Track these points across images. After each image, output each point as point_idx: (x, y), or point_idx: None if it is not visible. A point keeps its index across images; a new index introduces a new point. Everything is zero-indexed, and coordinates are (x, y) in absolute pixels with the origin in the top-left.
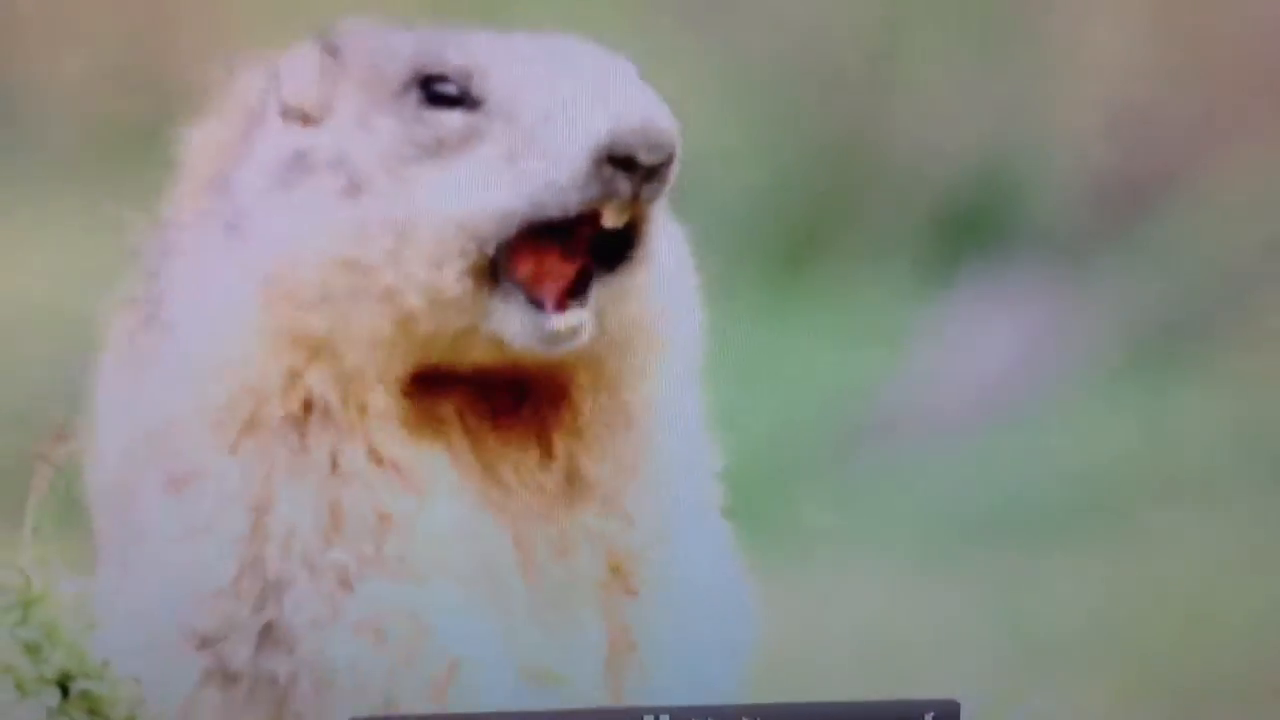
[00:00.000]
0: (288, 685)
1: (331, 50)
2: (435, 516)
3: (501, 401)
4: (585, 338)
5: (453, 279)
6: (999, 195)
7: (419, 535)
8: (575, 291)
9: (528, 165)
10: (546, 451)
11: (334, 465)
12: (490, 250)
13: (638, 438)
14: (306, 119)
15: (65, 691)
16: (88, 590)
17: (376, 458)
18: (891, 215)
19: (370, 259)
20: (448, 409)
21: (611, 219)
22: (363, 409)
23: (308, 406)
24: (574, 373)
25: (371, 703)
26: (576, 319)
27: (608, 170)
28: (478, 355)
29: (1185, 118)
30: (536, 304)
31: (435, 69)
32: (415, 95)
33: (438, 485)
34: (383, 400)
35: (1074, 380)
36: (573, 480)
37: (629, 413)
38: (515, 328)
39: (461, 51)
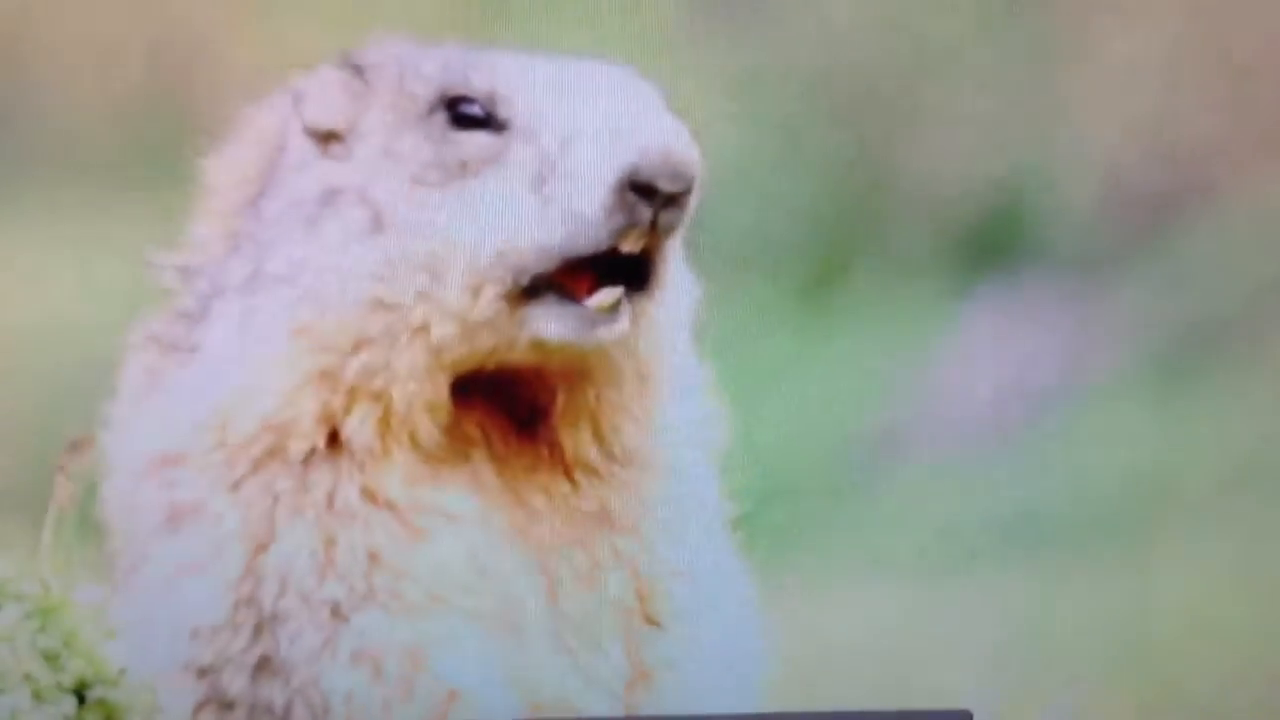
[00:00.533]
0: (284, 714)
1: (357, 70)
2: (443, 548)
3: (524, 426)
4: (624, 324)
5: (487, 305)
6: (1020, 211)
7: (422, 569)
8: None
9: (552, 191)
10: (573, 479)
11: (333, 504)
12: (526, 281)
13: (659, 469)
14: (331, 138)
15: (81, 699)
16: (106, 598)
17: (379, 496)
18: (911, 231)
19: (400, 297)
20: (474, 434)
21: (629, 245)
22: (403, 441)
23: (333, 443)
24: (597, 392)
25: None
26: (611, 296)
27: (630, 197)
28: (515, 358)
29: (1209, 135)
30: (572, 299)
31: (461, 90)
32: (442, 116)
33: (448, 517)
34: (424, 431)
35: (1092, 396)
36: (602, 506)
37: (650, 437)
38: (554, 325)
39: (486, 73)
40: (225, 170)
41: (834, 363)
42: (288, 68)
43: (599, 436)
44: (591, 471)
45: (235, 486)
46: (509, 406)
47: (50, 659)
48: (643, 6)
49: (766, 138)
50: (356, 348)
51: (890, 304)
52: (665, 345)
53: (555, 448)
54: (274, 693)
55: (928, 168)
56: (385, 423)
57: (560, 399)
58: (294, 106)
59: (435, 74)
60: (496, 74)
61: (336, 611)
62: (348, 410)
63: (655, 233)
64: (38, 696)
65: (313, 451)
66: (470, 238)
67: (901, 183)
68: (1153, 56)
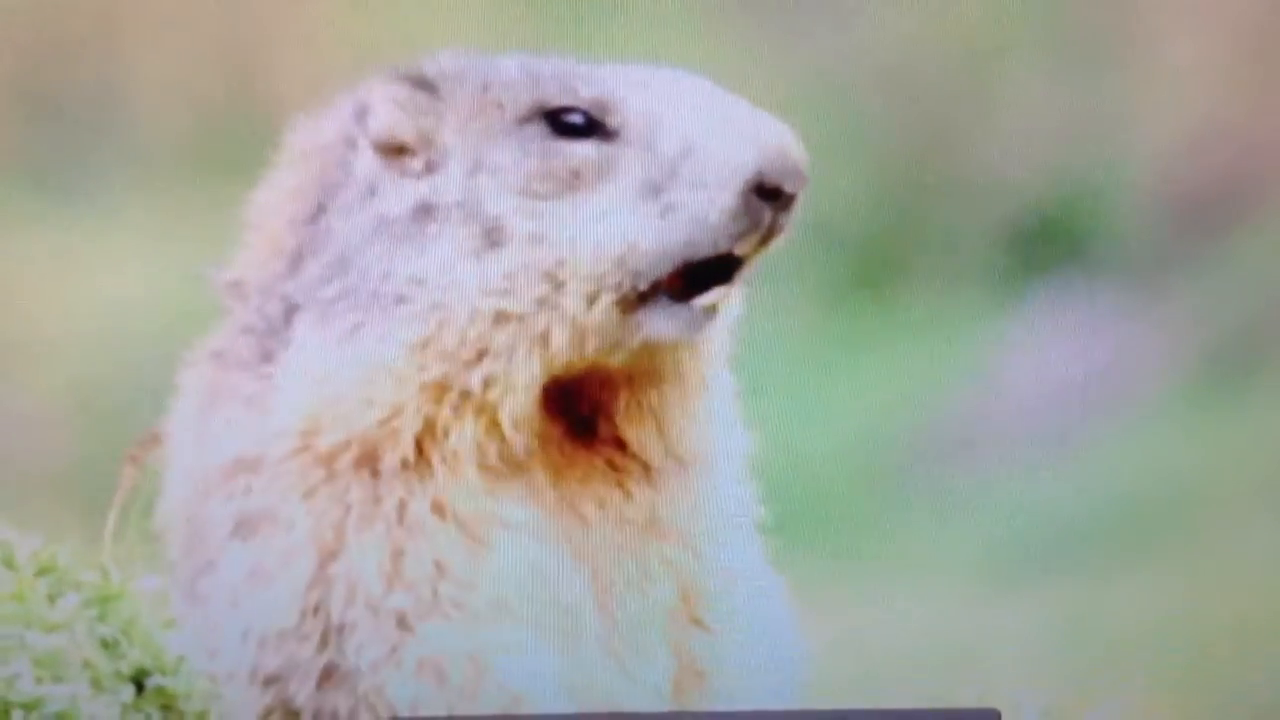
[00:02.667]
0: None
1: (424, 84)
2: (505, 559)
3: (580, 436)
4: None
5: (602, 311)
6: (1072, 217)
7: (485, 579)
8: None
9: (674, 198)
10: (625, 487)
11: (404, 515)
12: (643, 285)
13: (700, 463)
14: (403, 152)
15: (140, 687)
16: (166, 588)
17: (447, 508)
18: (966, 232)
19: (522, 308)
20: (532, 444)
21: (745, 248)
22: (496, 454)
23: (420, 454)
24: (660, 392)
25: None
26: (721, 295)
27: (755, 202)
28: (612, 361)
29: (1266, 139)
30: (683, 298)
31: (565, 101)
32: (539, 128)
33: (511, 529)
34: (522, 443)
35: (1142, 401)
36: (652, 513)
37: (707, 437)
38: (669, 326)
39: (592, 83)
40: (278, 187)
41: (883, 365)
42: (357, 74)
43: (662, 435)
44: (647, 474)
45: (309, 495)
46: (568, 411)
47: (109, 647)
48: (703, 8)
49: (820, 143)
50: (478, 359)
51: (942, 309)
52: (719, 348)
53: (612, 454)
54: (339, 701)
55: (981, 173)
56: (489, 434)
57: (623, 399)
58: (356, 121)
59: (526, 84)
60: (604, 84)
61: (402, 621)
62: (458, 420)
63: (770, 235)
64: (96, 685)
65: (420, 455)
66: (589, 246)
67: (955, 188)
68: (1209, 63)
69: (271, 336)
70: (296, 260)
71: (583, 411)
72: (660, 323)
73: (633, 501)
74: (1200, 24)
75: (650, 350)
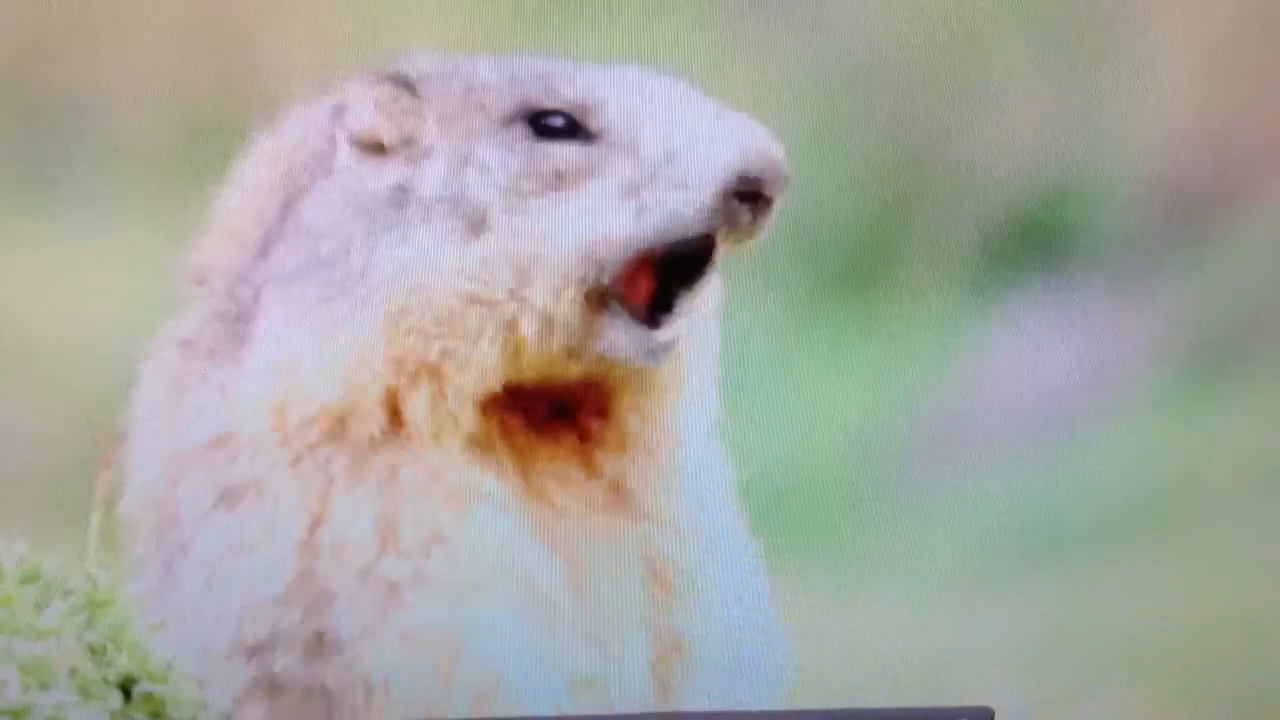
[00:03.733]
0: (335, 695)
1: (405, 83)
2: (486, 533)
3: (546, 422)
4: (676, 347)
5: (568, 305)
6: (1061, 212)
7: (469, 551)
8: (660, 305)
9: (653, 196)
10: (591, 468)
11: (391, 481)
12: (606, 278)
13: (671, 448)
14: (381, 149)
15: (128, 694)
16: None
17: (435, 476)
18: (950, 230)
19: (493, 294)
20: (497, 431)
21: (727, 247)
22: (447, 428)
23: (392, 424)
24: (619, 388)
25: (418, 713)
26: (674, 333)
27: (732, 202)
28: (570, 371)
29: (1253, 136)
30: (642, 322)
31: (547, 103)
32: (522, 129)
33: (491, 503)
34: (467, 420)
35: (1128, 400)
36: (618, 492)
37: (665, 426)
38: (623, 344)
39: (574, 86)
40: (245, 185)
41: (865, 365)
42: (336, 67)
43: (626, 430)
44: (622, 447)
45: (294, 463)
46: (531, 409)
47: (97, 654)
48: (682, 8)
49: (802, 141)
50: (442, 333)
51: (926, 308)
52: (696, 344)
53: (577, 443)
54: (325, 672)
55: (965, 172)
56: (436, 405)
57: (589, 398)
58: (334, 119)
59: (507, 86)
60: (586, 86)
61: (390, 589)
62: (413, 390)
63: (750, 233)
64: (84, 692)
65: (388, 428)
66: (562, 243)
67: (939, 186)
68: (1195, 60)
69: (242, 321)
70: (265, 250)
71: (547, 411)
72: (619, 339)
73: (603, 478)
74: (1186, 21)
75: (600, 363)
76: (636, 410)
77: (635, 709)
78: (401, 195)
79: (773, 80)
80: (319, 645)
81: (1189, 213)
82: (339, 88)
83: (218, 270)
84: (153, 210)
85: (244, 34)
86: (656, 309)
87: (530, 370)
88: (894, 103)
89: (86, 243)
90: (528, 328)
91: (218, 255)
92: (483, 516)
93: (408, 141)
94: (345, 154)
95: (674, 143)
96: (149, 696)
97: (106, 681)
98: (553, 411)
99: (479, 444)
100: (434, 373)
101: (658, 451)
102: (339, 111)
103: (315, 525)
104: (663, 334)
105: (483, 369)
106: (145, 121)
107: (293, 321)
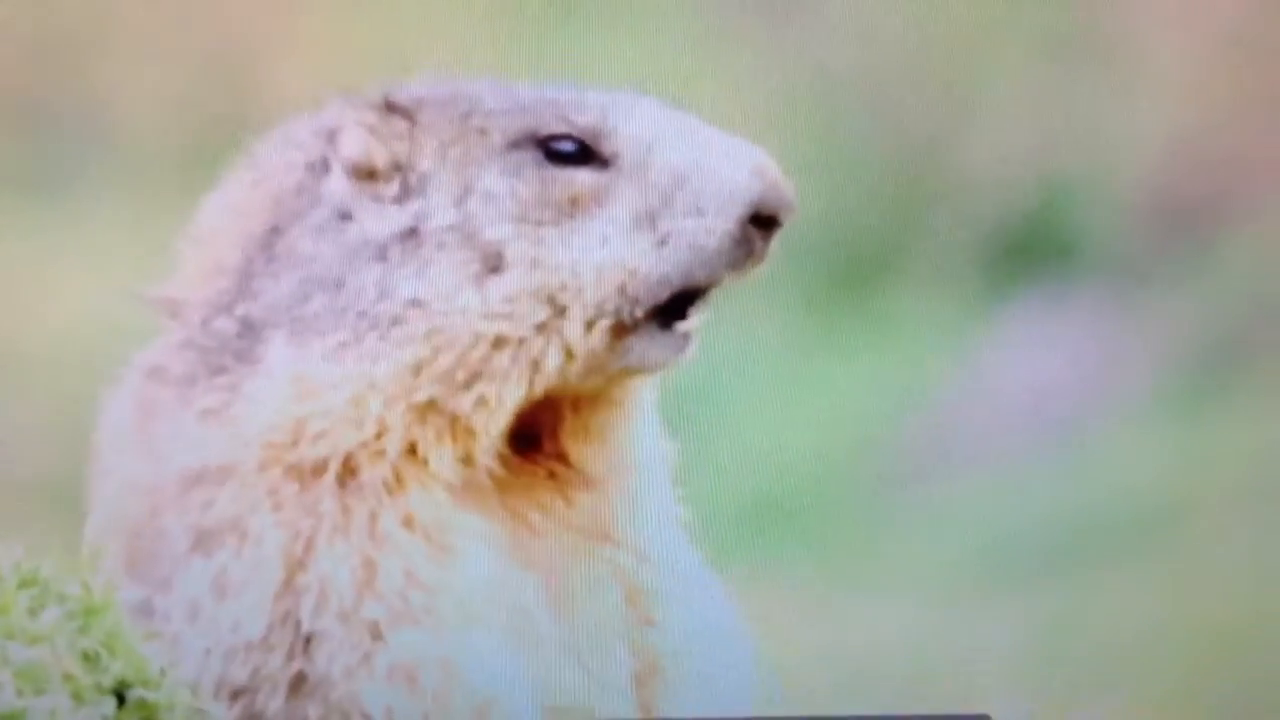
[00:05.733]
0: None
1: (398, 110)
2: (476, 565)
3: (520, 450)
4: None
5: (599, 338)
6: (1057, 221)
7: (456, 585)
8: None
9: (671, 226)
10: (567, 495)
11: (375, 522)
12: (640, 313)
13: (637, 473)
14: (374, 176)
15: (121, 700)
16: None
17: (420, 515)
18: (948, 237)
19: (520, 331)
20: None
21: (735, 275)
22: (465, 472)
23: (403, 470)
24: (607, 413)
25: None
26: (696, 322)
27: (750, 230)
28: (595, 383)
29: (1250, 143)
30: (662, 327)
31: (558, 128)
32: (530, 155)
33: (480, 535)
34: (491, 464)
35: (1125, 406)
36: (595, 519)
37: (633, 450)
38: (655, 353)
39: (586, 112)
40: (223, 209)
41: (864, 371)
42: (340, 82)
43: (603, 449)
44: (588, 484)
45: (277, 507)
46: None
47: (90, 660)
48: (681, 19)
49: (802, 148)
50: (472, 381)
51: (924, 314)
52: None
53: (553, 466)
54: (310, 710)
55: (965, 178)
56: (466, 458)
57: (567, 419)
58: (328, 143)
59: (513, 111)
60: (598, 112)
61: (374, 629)
62: (439, 443)
63: (755, 265)
64: (78, 697)
65: (396, 472)
66: (590, 272)
67: (938, 192)
68: (1193, 67)
69: (224, 353)
70: (246, 279)
71: (524, 429)
72: (647, 350)
73: (575, 509)
74: (1185, 29)
75: (622, 376)
76: (593, 443)
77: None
78: (413, 234)
79: (773, 86)
80: (303, 685)
81: (1187, 219)
82: (329, 112)
83: (192, 302)
84: (153, 218)
85: (252, 43)
86: (671, 315)
87: (542, 393)
88: (894, 110)
89: (86, 251)
90: (551, 361)
91: (192, 286)
92: (464, 552)
93: (402, 167)
94: (338, 180)
95: (686, 168)
96: (142, 702)
97: (100, 687)
98: (525, 443)
99: (468, 477)
100: (466, 425)
101: (625, 478)
102: (331, 136)
103: (296, 570)
104: (686, 324)
105: (505, 411)
106: (151, 129)
107: (306, 363)
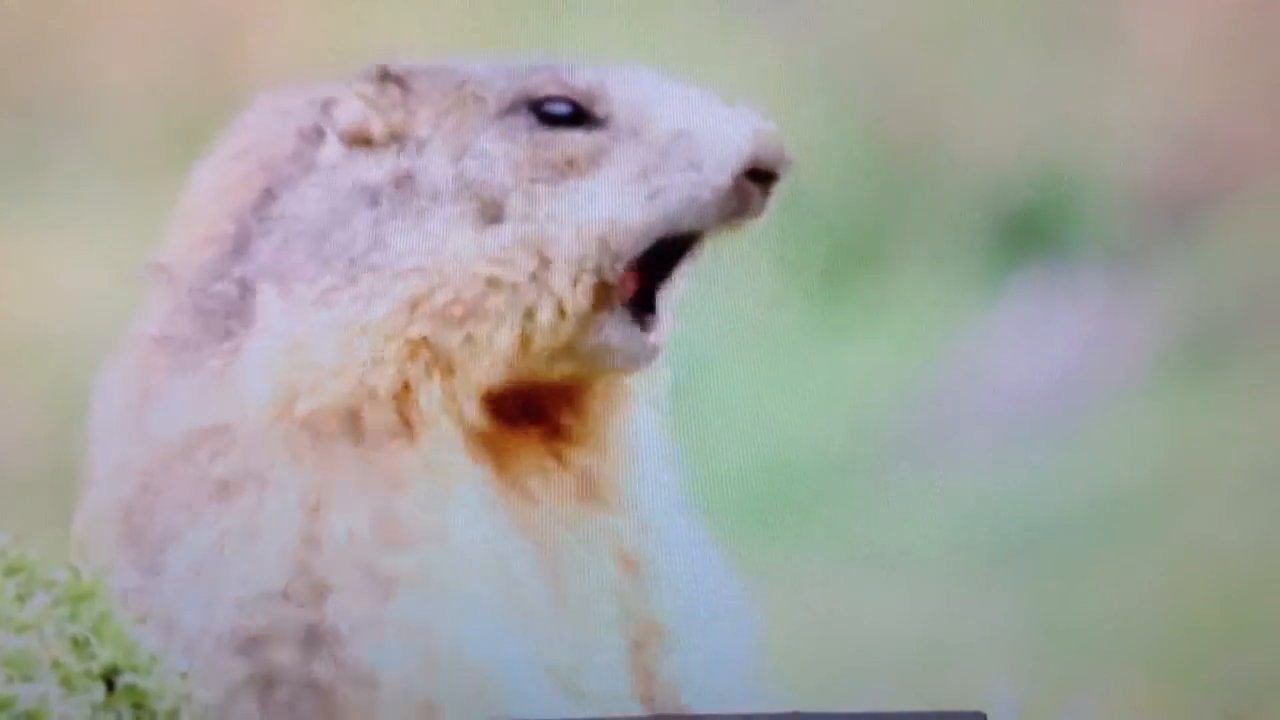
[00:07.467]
0: (330, 690)
1: (394, 79)
2: (479, 525)
3: (518, 416)
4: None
5: (583, 294)
6: (1056, 203)
7: (465, 543)
8: (644, 304)
9: (665, 180)
10: (561, 459)
11: (393, 474)
12: (621, 267)
13: (633, 443)
14: (371, 143)
15: (111, 686)
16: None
17: (434, 467)
18: (944, 221)
19: (515, 277)
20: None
21: (727, 229)
22: (453, 418)
23: (401, 415)
24: (591, 389)
25: (412, 708)
26: (661, 338)
27: (746, 184)
28: (554, 372)
29: (1245, 129)
30: (633, 322)
31: (552, 90)
32: (524, 119)
33: (483, 496)
34: (471, 412)
35: (1120, 390)
36: (587, 483)
37: (629, 422)
38: (620, 343)
39: (579, 75)
40: (213, 181)
41: (859, 356)
42: (325, 64)
43: (597, 424)
44: (583, 452)
45: (295, 458)
46: (501, 411)
47: (79, 646)
48: (674, 3)
49: (799, 131)
50: (465, 318)
51: (920, 299)
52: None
53: (548, 437)
54: (321, 666)
55: (961, 162)
56: (450, 399)
57: (560, 402)
58: (322, 112)
59: (507, 77)
60: (591, 75)
61: (388, 584)
62: (428, 379)
63: (752, 217)
64: (67, 684)
65: (401, 421)
66: (574, 227)
67: (934, 176)
68: (1189, 53)
69: (229, 316)
70: (243, 243)
71: (516, 412)
72: (615, 336)
73: (570, 474)
74: (1181, 14)
75: (591, 363)
76: (608, 408)
77: (616, 694)
78: (408, 181)
79: (768, 72)
80: (316, 639)
81: (1183, 203)
82: (322, 83)
83: (187, 268)
84: (143, 205)
85: (235, 29)
86: (640, 307)
87: (524, 368)
88: (891, 94)
89: (72, 237)
90: (544, 315)
91: (185, 253)
92: (476, 508)
93: (398, 135)
94: (333, 148)
95: (684, 125)
96: (132, 688)
97: (89, 674)
98: (521, 411)
99: (471, 437)
100: (449, 361)
101: (621, 446)
102: (326, 105)
103: (315, 518)
104: (652, 337)
105: (495, 359)
106: (134, 116)
107: (295, 313)
